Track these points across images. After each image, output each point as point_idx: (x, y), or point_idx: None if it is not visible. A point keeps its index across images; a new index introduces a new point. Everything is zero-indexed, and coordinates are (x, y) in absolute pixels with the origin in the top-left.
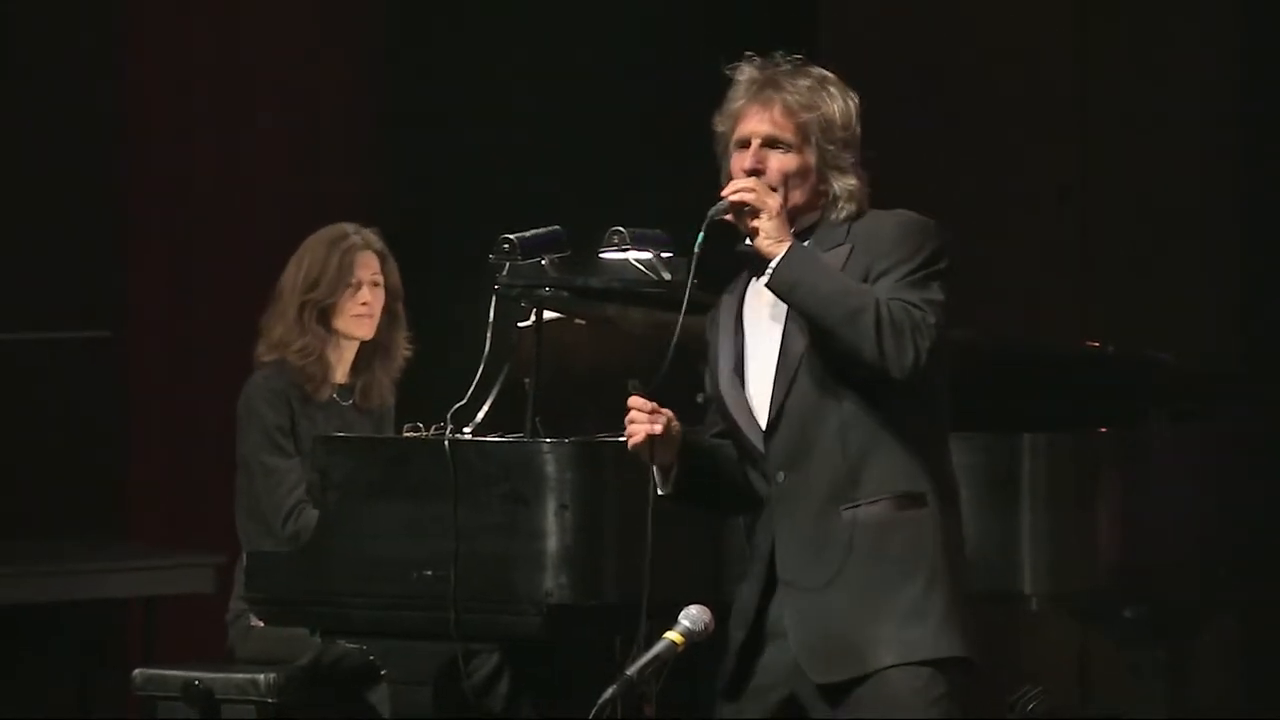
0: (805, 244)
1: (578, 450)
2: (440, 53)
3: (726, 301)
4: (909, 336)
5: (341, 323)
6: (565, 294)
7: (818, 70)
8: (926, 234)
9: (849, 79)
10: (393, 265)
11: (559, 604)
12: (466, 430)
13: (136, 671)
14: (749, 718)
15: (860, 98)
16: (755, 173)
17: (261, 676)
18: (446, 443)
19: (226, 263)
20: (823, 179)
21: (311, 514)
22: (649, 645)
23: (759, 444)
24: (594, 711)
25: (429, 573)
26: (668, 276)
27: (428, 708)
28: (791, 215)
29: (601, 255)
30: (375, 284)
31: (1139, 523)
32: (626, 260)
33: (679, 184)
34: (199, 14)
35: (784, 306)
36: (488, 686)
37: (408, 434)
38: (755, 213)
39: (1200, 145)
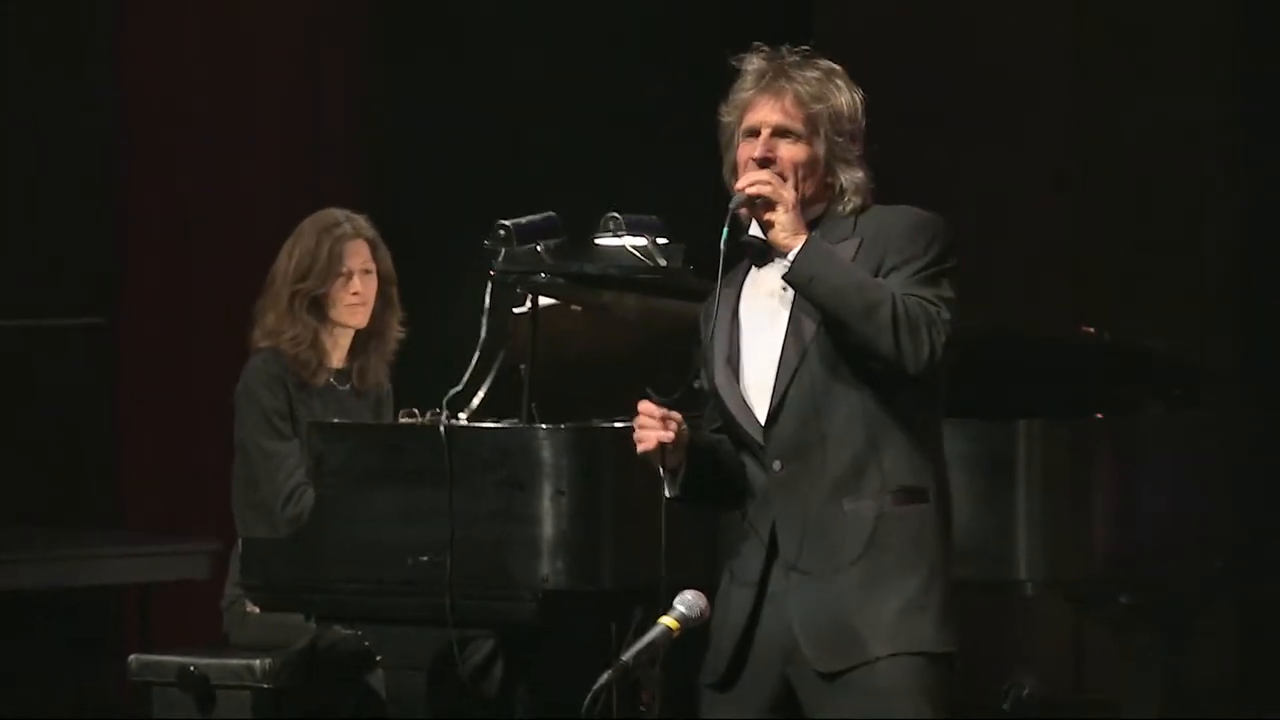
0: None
1: (574, 436)
2: (437, 39)
3: (724, 294)
4: (925, 332)
5: (335, 312)
6: (561, 280)
7: (825, 62)
8: (937, 230)
9: (845, 69)
10: (384, 251)
11: (554, 590)
12: (462, 416)
13: (132, 658)
14: (750, 710)
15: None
16: (766, 162)
17: (257, 662)
18: (442, 429)
19: (221, 248)
20: (830, 171)
21: (311, 496)
22: (644, 631)
23: (756, 435)
24: (589, 697)
25: (424, 558)
26: (663, 262)
27: (423, 693)
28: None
29: (597, 241)
30: (367, 272)
31: (1134, 509)
32: (622, 246)
33: (674, 170)
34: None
35: (784, 298)
36: (483, 672)
37: (403, 420)
38: (770, 205)
39: (1198, 132)
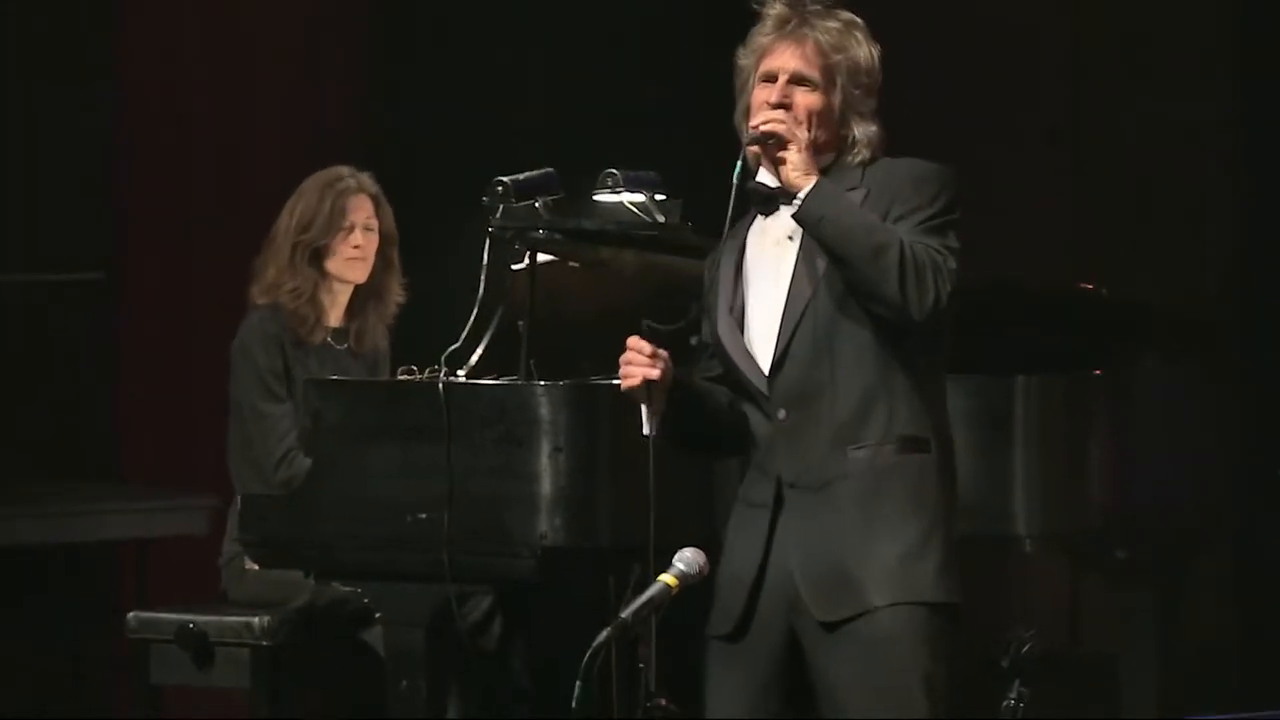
0: None
1: (572, 393)
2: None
3: (728, 244)
4: (930, 278)
5: (334, 265)
6: (559, 236)
7: (846, 14)
8: (943, 181)
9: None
10: (387, 210)
11: (553, 546)
12: (460, 373)
13: (130, 615)
14: (758, 661)
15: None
16: (780, 107)
17: (255, 619)
18: (440, 385)
19: (220, 204)
20: (844, 122)
21: (303, 461)
22: (643, 588)
23: (761, 385)
24: (588, 654)
25: (423, 515)
26: (661, 218)
27: (421, 650)
28: None
29: (595, 197)
30: (369, 228)
31: (1131, 465)
32: (620, 202)
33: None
34: None
35: (789, 248)
36: (481, 629)
37: (402, 377)
38: (783, 144)
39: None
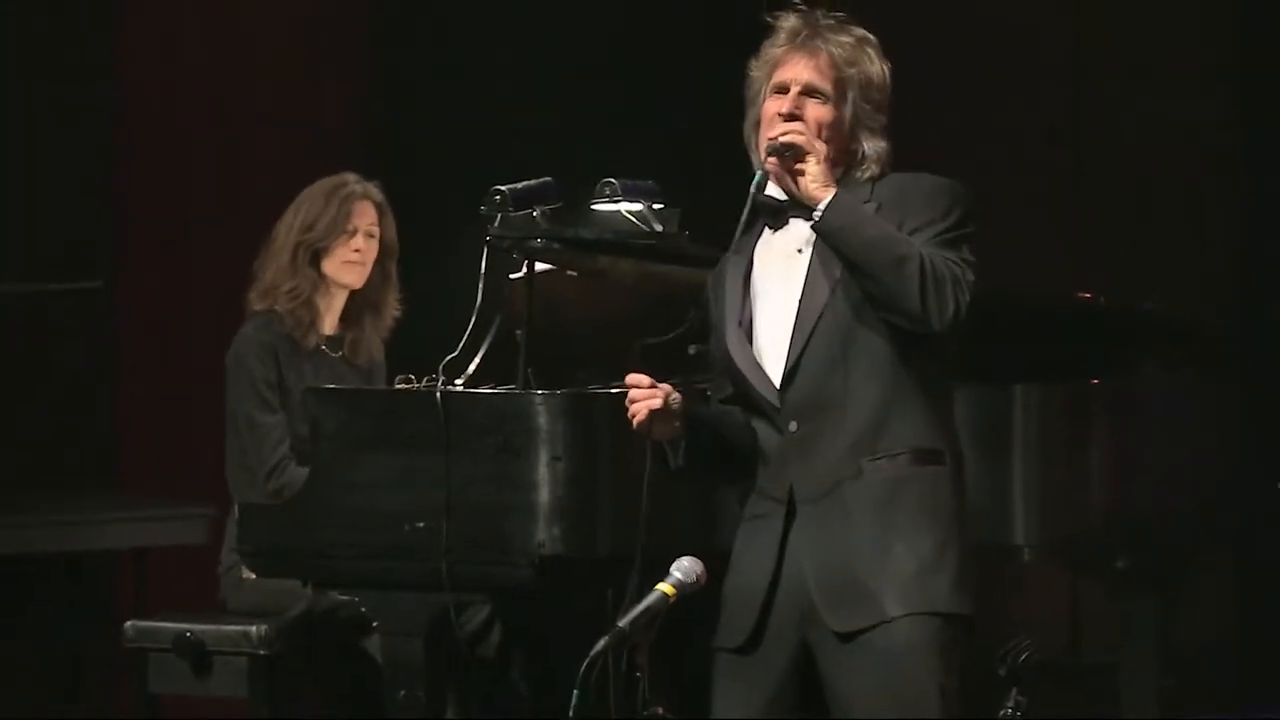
0: None
1: (570, 401)
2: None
3: (732, 259)
4: (950, 289)
5: (332, 267)
6: (557, 245)
7: (859, 29)
8: (956, 196)
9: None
10: (390, 221)
11: (551, 555)
12: (458, 382)
13: (128, 624)
14: (771, 674)
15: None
16: (792, 118)
17: (253, 628)
18: (438, 394)
19: (218, 212)
20: (854, 137)
21: (295, 471)
22: (641, 597)
23: (771, 396)
24: (586, 663)
25: (420, 524)
26: (659, 228)
27: (419, 659)
28: None
29: (593, 206)
30: (370, 234)
31: (1130, 473)
32: (618, 211)
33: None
34: None
35: (798, 260)
36: (479, 638)
37: (399, 385)
38: (801, 156)
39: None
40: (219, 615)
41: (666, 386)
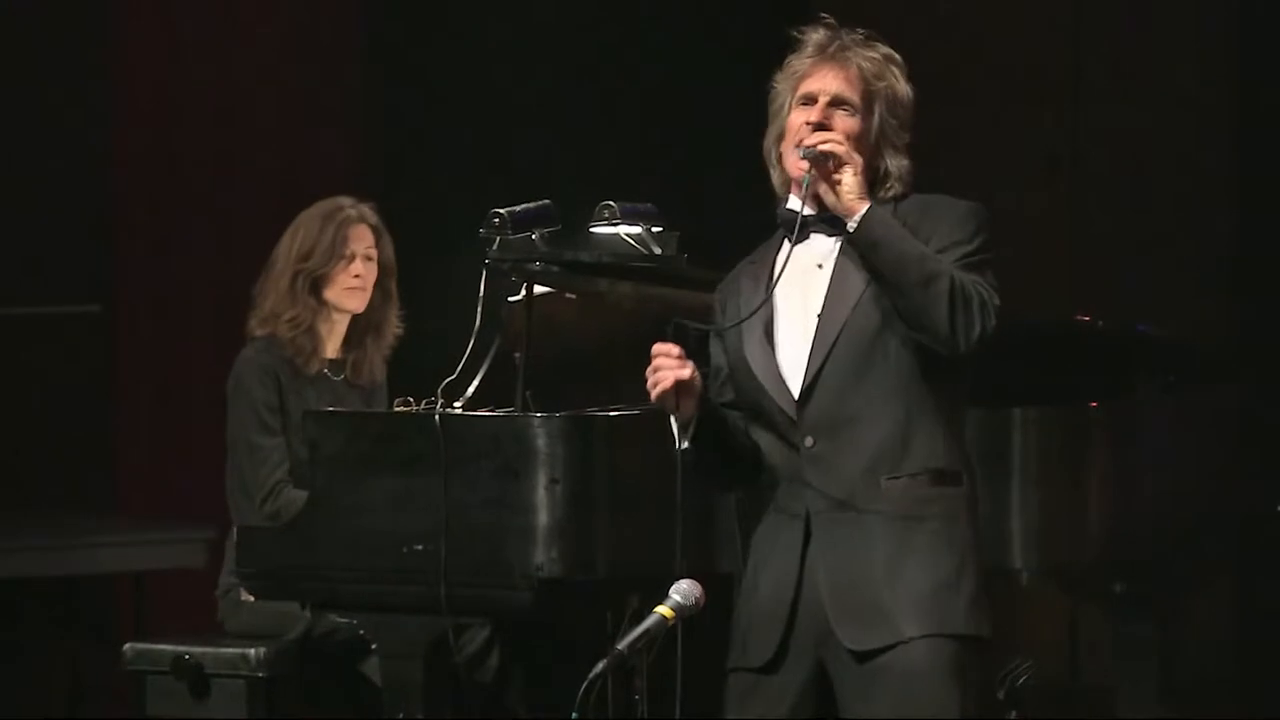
0: None
1: (568, 424)
2: (434, 38)
3: (748, 269)
4: (977, 312)
5: (333, 294)
6: (556, 268)
7: (885, 47)
8: (981, 220)
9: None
10: (387, 241)
11: (549, 578)
12: (457, 405)
13: (127, 646)
14: (788, 693)
15: None
16: (821, 127)
17: (252, 651)
18: (437, 417)
19: (215, 236)
20: (878, 152)
21: (291, 493)
22: (639, 620)
23: (790, 410)
24: (584, 686)
25: (419, 547)
26: (658, 250)
27: (418, 682)
28: None
29: (592, 229)
30: (369, 258)
31: (1129, 496)
32: (617, 234)
33: (673, 167)
34: None
35: (819, 274)
36: (478, 661)
37: (398, 408)
38: (838, 167)
39: (1198, 132)
40: (217, 638)
41: (692, 364)
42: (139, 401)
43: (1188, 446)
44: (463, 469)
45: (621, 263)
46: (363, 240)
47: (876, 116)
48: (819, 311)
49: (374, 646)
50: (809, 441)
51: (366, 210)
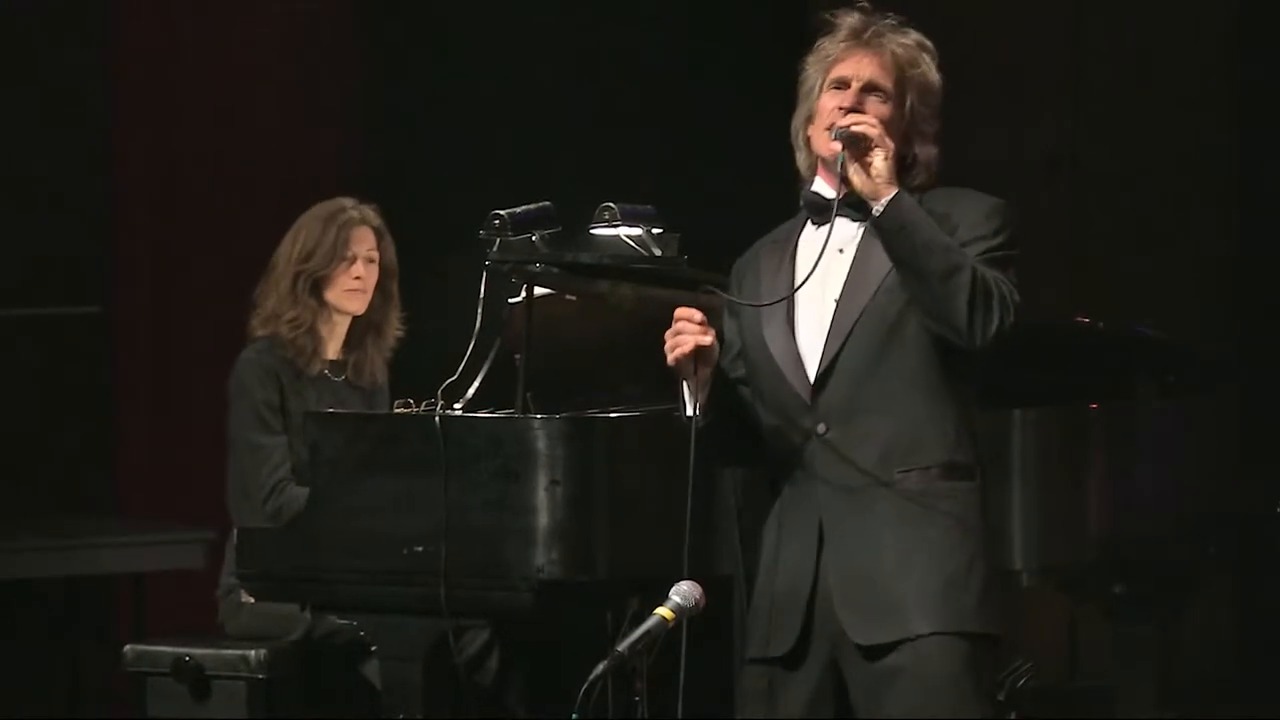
0: None
1: (569, 426)
2: (433, 37)
3: (769, 246)
4: (996, 307)
5: (334, 296)
6: (556, 269)
7: (917, 35)
8: (1007, 216)
9: None
10: (389, 242)
11: (550, 580)
12: (457, 406)
13: (127, 647)
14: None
15: None
16: (854, 111)
17: (252, 652)
18: (437, 418)
19: (215, 237)
20: (907, 140)
21: (293, 492)
22: (639, 621)
23: (805, 396)
24: (584, 687)
25: (419, 548)
26: (658, 252)
27: (418, 684)
28: None
29: (592, 231)
30: (370, 260)
31: (1128, 498)
32: (617, 235)
33: (672, 166)
34: None
35: (840, 259)
36: (478, 662)
37: (399, 410)
38: (870, 149)
39: (1198, 132)
40: (217, 639)
41: (713, 330)
42: (139, 402)
43: (1188, 446)
44: (463, 470)
45: (622, 264)
46: (364, 242)
47: (908, 104)
48: (837, 296)
49: (374, 648)
50: (822, 428)
51: (369, 212)
